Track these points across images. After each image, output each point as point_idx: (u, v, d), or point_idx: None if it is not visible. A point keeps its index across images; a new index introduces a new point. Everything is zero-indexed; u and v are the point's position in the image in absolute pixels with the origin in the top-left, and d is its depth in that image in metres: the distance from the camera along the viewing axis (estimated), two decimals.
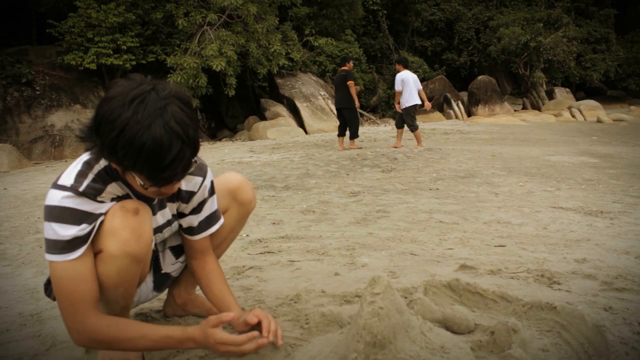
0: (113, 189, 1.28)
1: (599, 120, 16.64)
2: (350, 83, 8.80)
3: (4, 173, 9.40)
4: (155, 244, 1.51)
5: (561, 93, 22.64)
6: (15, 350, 1.58)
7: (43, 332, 1.72)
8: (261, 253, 2.75)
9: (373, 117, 18.62)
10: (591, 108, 18.39)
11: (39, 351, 1.55)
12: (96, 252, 1.27)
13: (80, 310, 1.21)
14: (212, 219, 1.51)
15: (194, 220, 1.48)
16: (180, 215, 1.49)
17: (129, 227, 1.25)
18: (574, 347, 1.30)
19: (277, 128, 14.29)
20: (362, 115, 18.49)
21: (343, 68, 9.16)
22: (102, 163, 1.26)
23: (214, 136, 16.25)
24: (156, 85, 1.14)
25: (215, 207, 1.51)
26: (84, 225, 1.21)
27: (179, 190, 1.42)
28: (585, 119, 17.83)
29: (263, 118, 15.41)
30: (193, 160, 1.19)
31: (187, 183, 1.42)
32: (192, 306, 1.70)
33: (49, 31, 13.33)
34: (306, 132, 14.74)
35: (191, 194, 1.44)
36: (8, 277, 2.62)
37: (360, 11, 19.01)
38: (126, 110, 1.07)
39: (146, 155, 1.07)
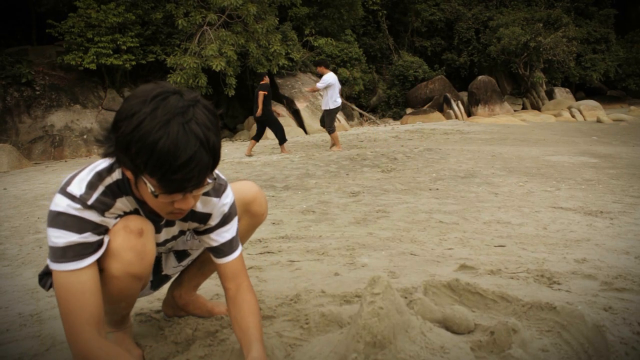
0: (122, 204, 1.23)
1: (598, 120, 16.63)
2: (260, 93, 8.96)
3: (3, 173, 9.40)
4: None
5: (561, 93, 22.62)
6: (15, 350, 1.58)
7: (43, 332, 1.72)
8: (261, 253, 2.75)
9: (373, 117, 18.62)
10: (591, 108, 18.36)
11: (38, 351, 1.55)
12: None
13: (76, 323, 1.14)
14: (234, 242, 1.41)
15: (211, 241, 1.39)
16: (197, 232, 1.42)
17: (132, 249, 1.22)
18: (574, 347, 1.30)
19: None
20: (362, 115, 18.50)
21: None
22: (115, 176, 1.21)
23: None
24: (183, 91, 1.10)
25: (235, 231, 1.41)
26: (87, 234, 1.16)
27: (194, 212, 1.34)
28: (585, 119, 17.81)
29: None
30: (213, 175, 1.12)
31: (204, 205, 1.34)
32: (193, 307, 1.70)
33: (49, 31, 13.32)
34: (306, 132, 14.74)
35: (207, 216, 1.36)
36: (8, 277, 2.62)
37: (360, 11, 19.01)
38: (146, 106, 1.03)
39: (159, 153, 1.01)
